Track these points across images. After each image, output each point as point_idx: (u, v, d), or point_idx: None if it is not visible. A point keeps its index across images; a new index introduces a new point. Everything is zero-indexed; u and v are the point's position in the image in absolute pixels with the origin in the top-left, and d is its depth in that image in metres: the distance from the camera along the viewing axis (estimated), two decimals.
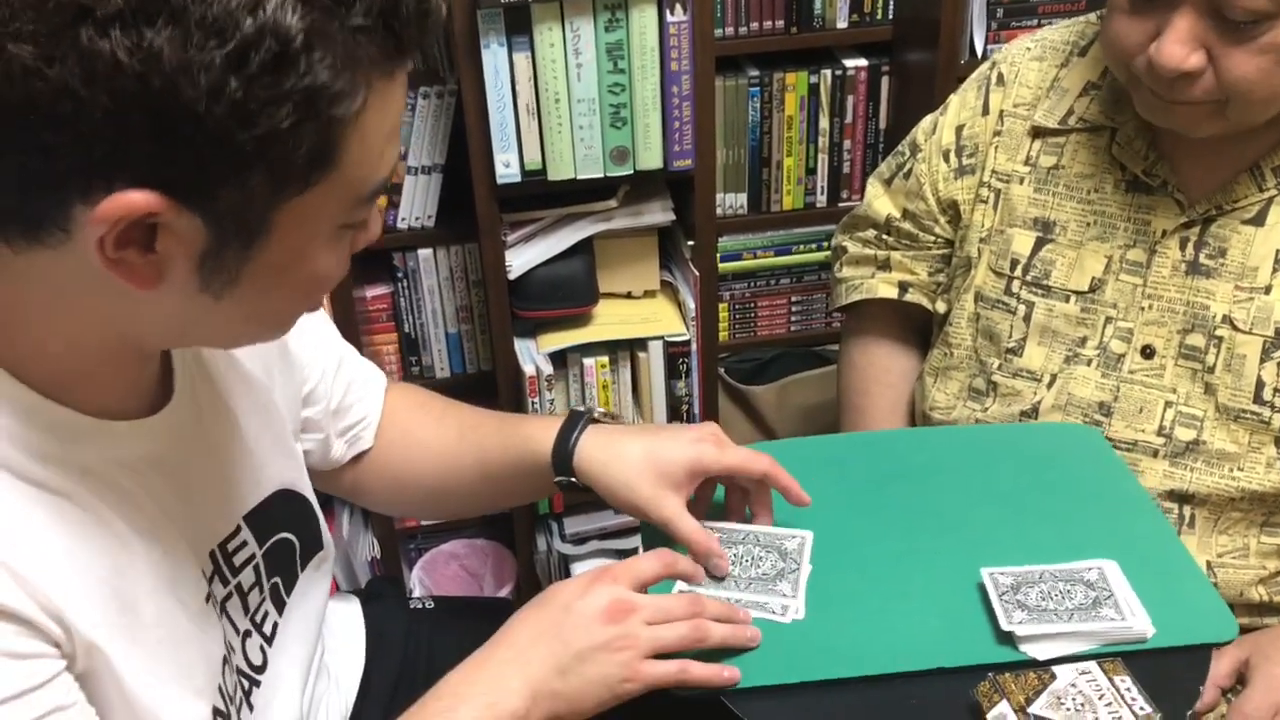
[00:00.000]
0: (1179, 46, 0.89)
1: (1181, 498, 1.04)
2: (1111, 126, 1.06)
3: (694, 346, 1.63)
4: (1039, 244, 1.10)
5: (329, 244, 0.62)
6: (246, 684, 0.77)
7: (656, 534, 0.89)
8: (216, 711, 0.71)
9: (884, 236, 1.25)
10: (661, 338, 1.62)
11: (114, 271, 0.57)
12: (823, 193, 1.78)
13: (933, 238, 1.21)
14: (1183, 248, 1.03)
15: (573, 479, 0.92)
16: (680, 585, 0.86)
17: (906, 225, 1.22)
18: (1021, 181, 1.11)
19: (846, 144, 1.75)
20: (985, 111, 1.15)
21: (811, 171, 1.76)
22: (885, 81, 1.72)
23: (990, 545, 0.89)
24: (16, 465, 0.61)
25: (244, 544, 0.78)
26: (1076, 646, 0.80)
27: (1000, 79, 1.14)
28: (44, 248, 0.57)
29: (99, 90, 0.51)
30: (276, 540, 0.82)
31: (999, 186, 1.13)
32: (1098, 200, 1.07)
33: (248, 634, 0.78)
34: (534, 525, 1.80)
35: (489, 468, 0.97)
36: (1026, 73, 1.13)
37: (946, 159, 1.17)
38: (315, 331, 0.94)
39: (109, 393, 0.67)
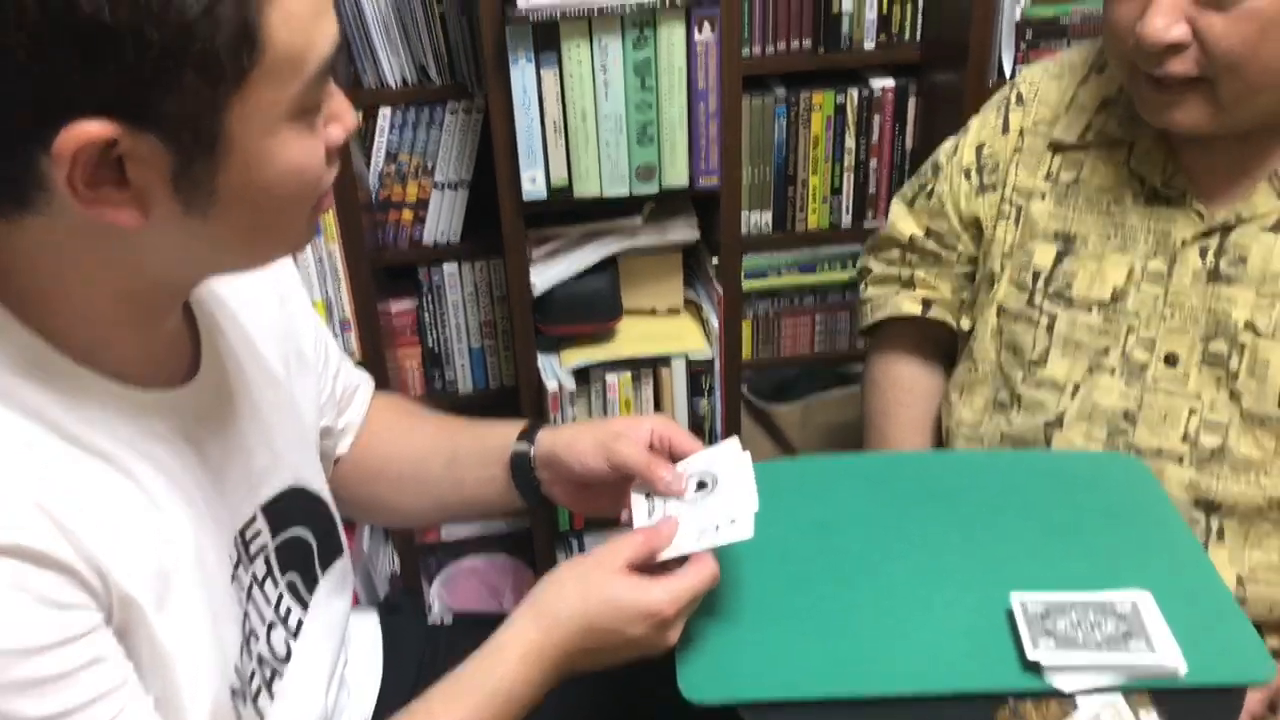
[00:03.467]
0: (1160, 18, 0.92)
1: (1208, 506, 1.03)
2: (1129, 140, 1.08)
3: (717, 364, 1.62)
4: (1060, 257, 1.11)
5: (294, 134, 0.62)
6: (268, 672, 0.77)
7: None
8: (234, 691, 0.71)
9: (908, 255, 1.25)
10: (685, 355, 1.61)
11: (96, 213, 0.58)
12: (848, 212, 1.78)
13: (956, 255, 1.21)
14: (1203, 256, 1.03)
15: (532, 465, 0.95)
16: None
17: (930, 244, 1.23)
18: (1043, 197, 1.13)
19: (873, 164, 1.75)
20: (1005, 130, 1.16)
21: (837, 191, 1.76)
22: (912, 102, 1.71)
23: (1022, 571, 0.88)
24: (59, 425, 0.62)
25: (259, 533, 0.78)
26: (1104, 679, 0.79)
27: (1020, 98, 1.16)
28: (35, 214, 0.59)
29: (9, 29, 0.52)
30: (290, 536, 0.82)
31: (1020, 203, 1.14)
32: (1118, 213, 1.08)
33: (272, 625, 0.78)
34: (554, 542, 1.80)
35: (457, 454, 0.99)
36: (1046, 91, 1.15)
37: (968, 177, 1.18)
38: (321, 341, 0.95)
39: (136, 362, 0.68)
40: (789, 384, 1.86)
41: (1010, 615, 0.83)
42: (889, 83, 1.70)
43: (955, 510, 0.96)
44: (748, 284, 1.77)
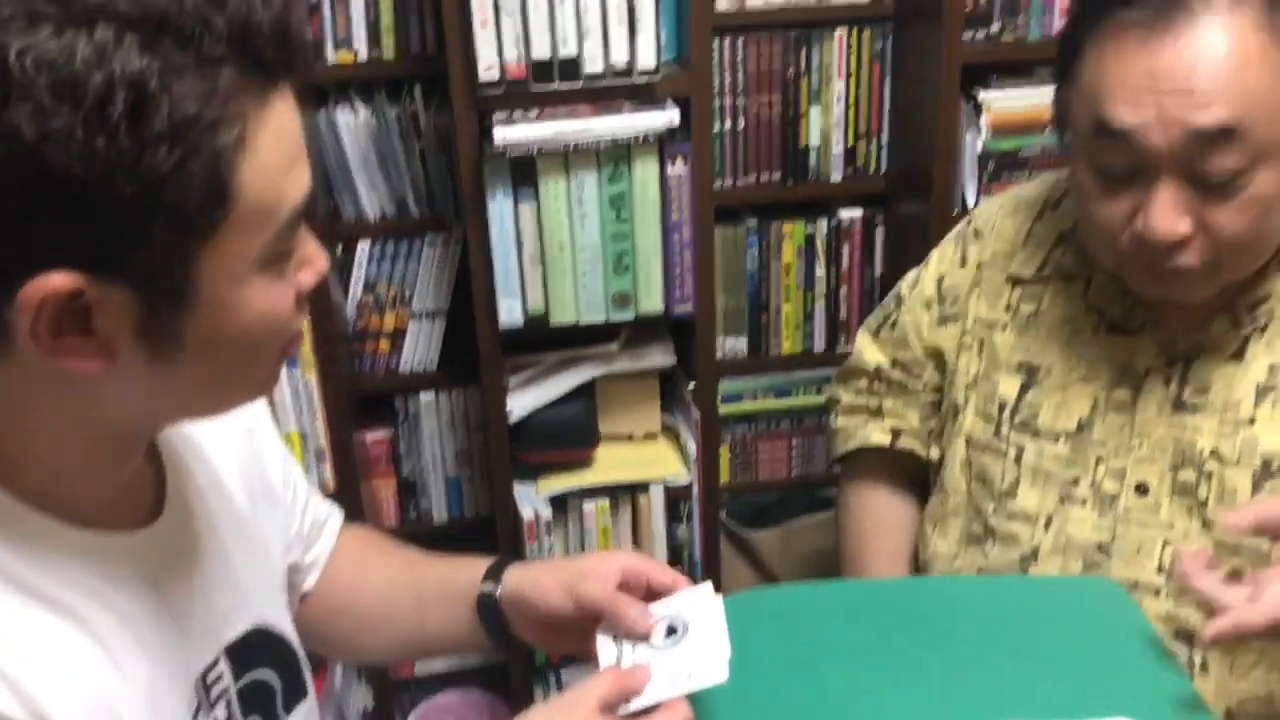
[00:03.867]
0: (1166, 215, 0.90)
1: (1189, 638, 1.02)
2: (1086, 274, 1.08)
3: (695, 489, 1.62)
4: (1024, 388, 1.11)
5: (263, 282, 0.61)
6: None
7: None
8: None
9: (875, 385, 1.26)
10: (663, 481, 1.61)
11: (60, 362, 0.56)
12: (821, 337, 1.80)
13: (921, 384, 1.22)
14: (1166, 385, 1.04)
15: (498, 605, 0.91)
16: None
17: (896, 374, 1.24)
18: (1004, 328, 1.14)
19: (843, 291, 1.78)
20: (963, 264, 1.18)
21: (809, 317, 1.79)
22: (880, 231, 1.76)
23: (1006, 701, 0.86)
24: (11, 572, 0.61)
25: (221, 676, 0.76)
26: None
27: (976, 233, 1.18)
28: (2, 364, 0.58)
29: None
30: (254, 679, 0.79)
31: (982, 334, 1.15)
32: (1079, 344, 1.08)
33: None
34: (530, 676, 1.75)
35: (421, 595, 0.96)
36: (1002, 226, 1.16)
37: (929, 308, 1.20)
38: (289, 474, 0.93)
39: (98, 506, 0.66)
40: (767, 509, 1.85)
41: None
42: (857, 213, 1.75)
43: (938, 639, 0.95)
44: (724, 408, 1.78)
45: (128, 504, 0.70)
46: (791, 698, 0.88)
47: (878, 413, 1.25)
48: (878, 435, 1.24)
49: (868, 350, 1.26)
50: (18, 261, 0.53)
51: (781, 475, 1.87)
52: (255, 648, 0.80)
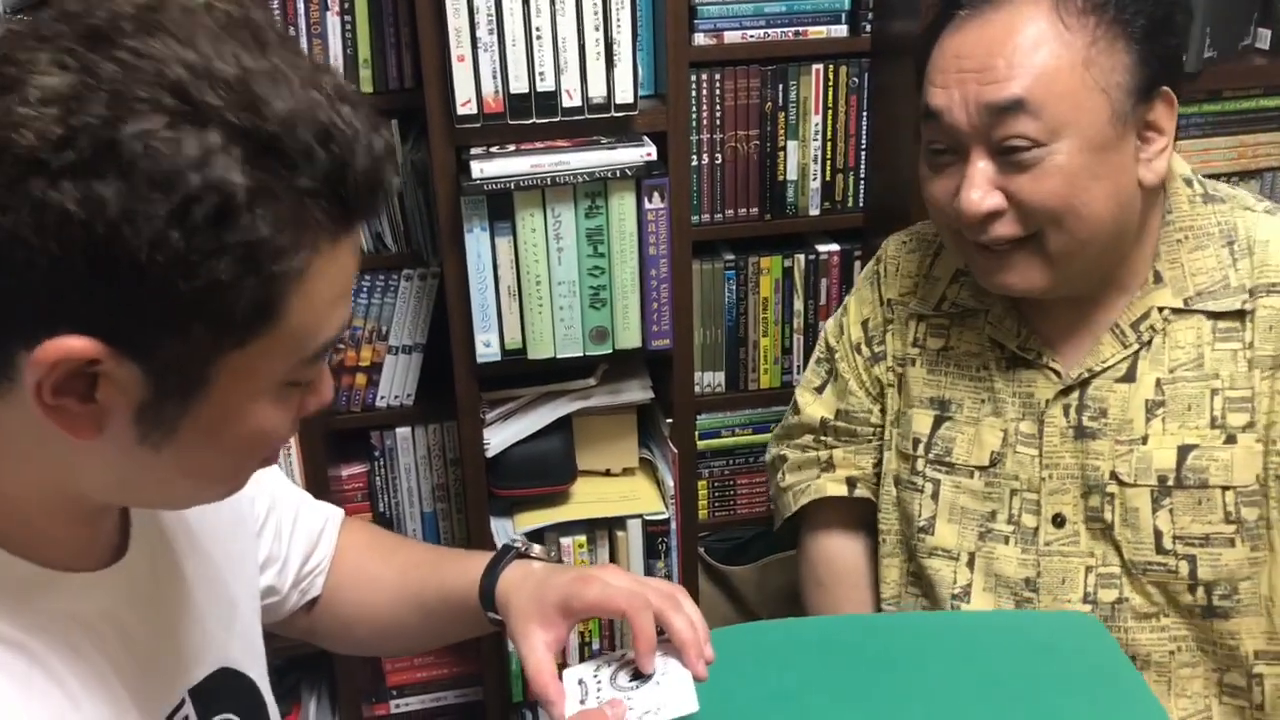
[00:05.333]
0: (974, 191, 0.97)
1: None
2: (984, 309, 1.12)
3: (673, 525, 1.61)
4: (938, 422, 1.13)
5: (272, 401, 0.62)
6: None
7: None
8: None
9: (822, 438, 1.26)
10: (640, 516, 1.60)
11: (53, 419, 0.57)
12: (799, 372, 1.80)
13: (870, 429, 1.23)
14: (1066, 414, 1.06)
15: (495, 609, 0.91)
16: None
17: (841, 423, 1.24)
18: (915, 363, 1.16)
19: (821, 325, 1.78)
20: (880, 302, 1.21)
21: (787, 351, 1.79)
22: (857, 265, 1.76)
23: None
24: None
25: (186, 718, 0.74)
26: None
27: (885, 272, 1.22)
28: None
29: (48, 238, 0.52)
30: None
31: (899, 370, 1.18)
32: (985, 377, 1.11)
33: None
34: (507, 713, 1.73)
35: (426, 605, 0.96)
36: (906, 264, 1.20)
37: (859, 351, 1.22)
38: (268, 493, 0.93)
39: (63, 545, 0.65)
40: (745, 545, 1.84)
41: None
42: (834, 247, 1.76)
43: (916, 675, 0.94)
44: (702, 443, 1.77)
45: (91, 544, 0.69)
46: None
47: (829, 465, 1.25)
48: (833, 486, 1.24)
49: (810, 407, 1.27)
50: (48, 317, 0.54)
51: (760, 510, 1.86)
52: (220, 690, 0.78)
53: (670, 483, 1.60)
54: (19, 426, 0.59)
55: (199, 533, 0.81)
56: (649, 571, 1.62)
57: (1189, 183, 1.07)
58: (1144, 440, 1.03)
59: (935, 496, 1.12)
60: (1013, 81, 0.95)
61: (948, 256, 1.16)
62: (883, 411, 1.21)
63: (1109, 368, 1.05)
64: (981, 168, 0.98)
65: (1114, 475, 1.04)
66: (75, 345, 0.54)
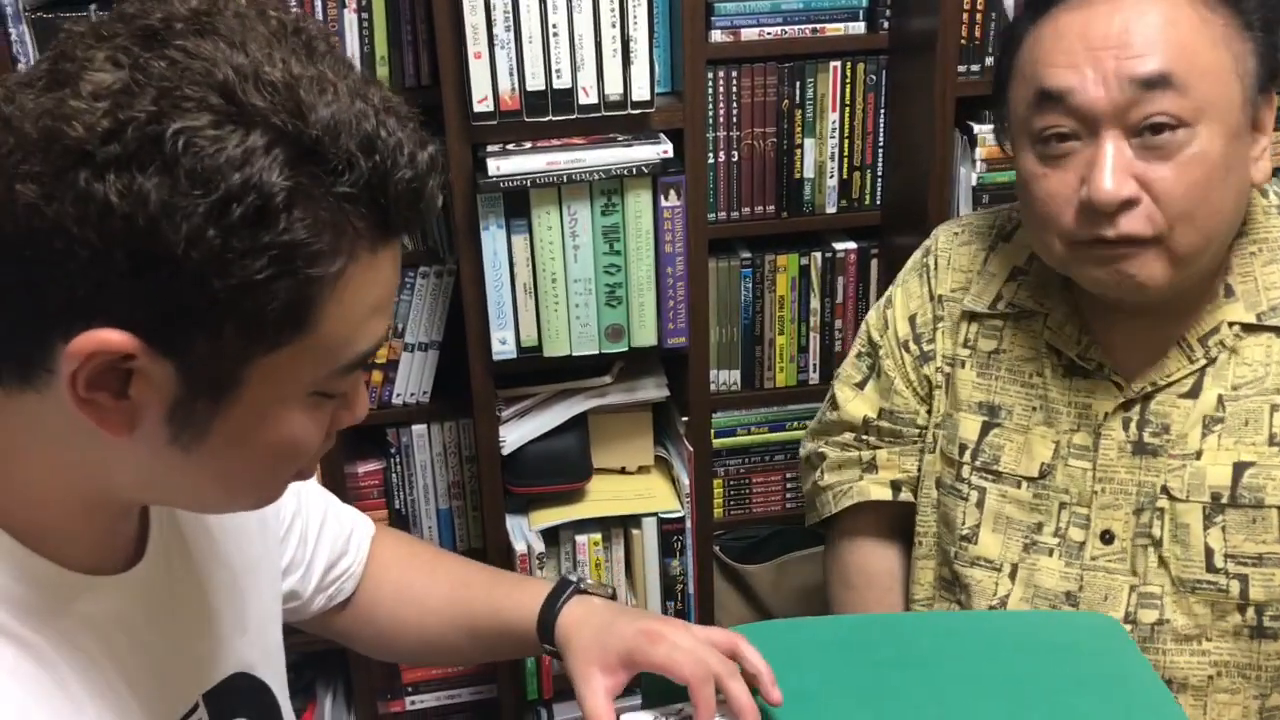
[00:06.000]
0: (1113, 175, 0.91)
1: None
2: (1043, 312, 1.07)
3: (689, 523, 1.60)
4: (986, 428, 1.09)
5: (303, 409, 0.62)
6: None
7: (655, 694, 0.86)
8: None
9: (864, 437, 1.22)
10: (656, 514, 1.60)
11: (86, 413, 0.57)
12: (815, 370, 1.80)
13: (915, 430, 1.18)
14: (1125, 428, 1.02)
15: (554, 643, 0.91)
16: None
17: (885, 423, 1.19)
18: (964, 365, 1.11)
19: (838, 323, 1.78)
20: (930, 298, 1.16)
21: (804, 349, 1.78)
22: (874, 263, 1.76)
23: None
24: None
25: None
26: None
27: (936, 264, 1.16)
28: (32, 390, 0.59)
29: (89, 228, 0.53)
30: None
31: (947, 370, 1.13)
32: (1039, 384, 1.06)
33: None
34: (521, 712, 1.73)
35: (477, 629, 0.96)
36: (957, 257, 1.14)
37: (907, 349, 1.17)
38: (295, 497, 0.92)
39: (83, 546, 0.65)
40: (761, 543, 1.84)
41: None
42: (851, 245, 1.75)
43: (933, 674, 0.93)
44: (717, 442, 1.77)
45: (110, 547, 0.69)
46: None
47: (871, 466, 1.21)
48: (877, 490, 1.20)
49: (851, 403, 1.21)
50: (86, 309, 0.55)
51: (775, 509, 1.85)
52: (235, 694, 0.78)
53: (685, 481, 1.59)
54: (53, 420, 0.59)
55: (220, 537, 0.81)
56: (664, 569, 1.62)
57: (1264, 193, 1.03)
58: (1198, 455, 0.99)
59: (980, 505, 1.08)
60: (1156, 55, 0.89)
61: (1003, 253, 1.11)
62: (929, 412, 1.16)
63: (1174, 382, 1.01)
64: (1117, 150, 0.91)
65: (1165, 490, 1.00)
66: (111, 338, 0.55)
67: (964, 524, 1.09)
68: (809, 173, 1.70)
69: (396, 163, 0.58)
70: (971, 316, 1.11)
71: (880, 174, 1.72)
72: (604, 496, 1.61)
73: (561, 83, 1.37)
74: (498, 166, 1.36)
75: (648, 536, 1.60)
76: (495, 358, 1.47)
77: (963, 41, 1.58)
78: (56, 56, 0.57)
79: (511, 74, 1.35)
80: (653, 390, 1.58)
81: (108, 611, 0.67)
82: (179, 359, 0.56)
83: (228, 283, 0.54)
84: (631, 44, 1.36)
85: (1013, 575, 1.07)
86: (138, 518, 0.72)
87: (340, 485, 1.58)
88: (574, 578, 0.94)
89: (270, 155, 0.54)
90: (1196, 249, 0.94)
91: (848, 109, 1.68)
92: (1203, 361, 1.00)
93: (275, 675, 0.85)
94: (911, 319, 1.16)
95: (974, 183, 1.64)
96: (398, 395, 1.64)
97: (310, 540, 0.94)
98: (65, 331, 0.55)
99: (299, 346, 0.58)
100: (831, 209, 1.73)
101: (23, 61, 1.37)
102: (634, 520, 1.60)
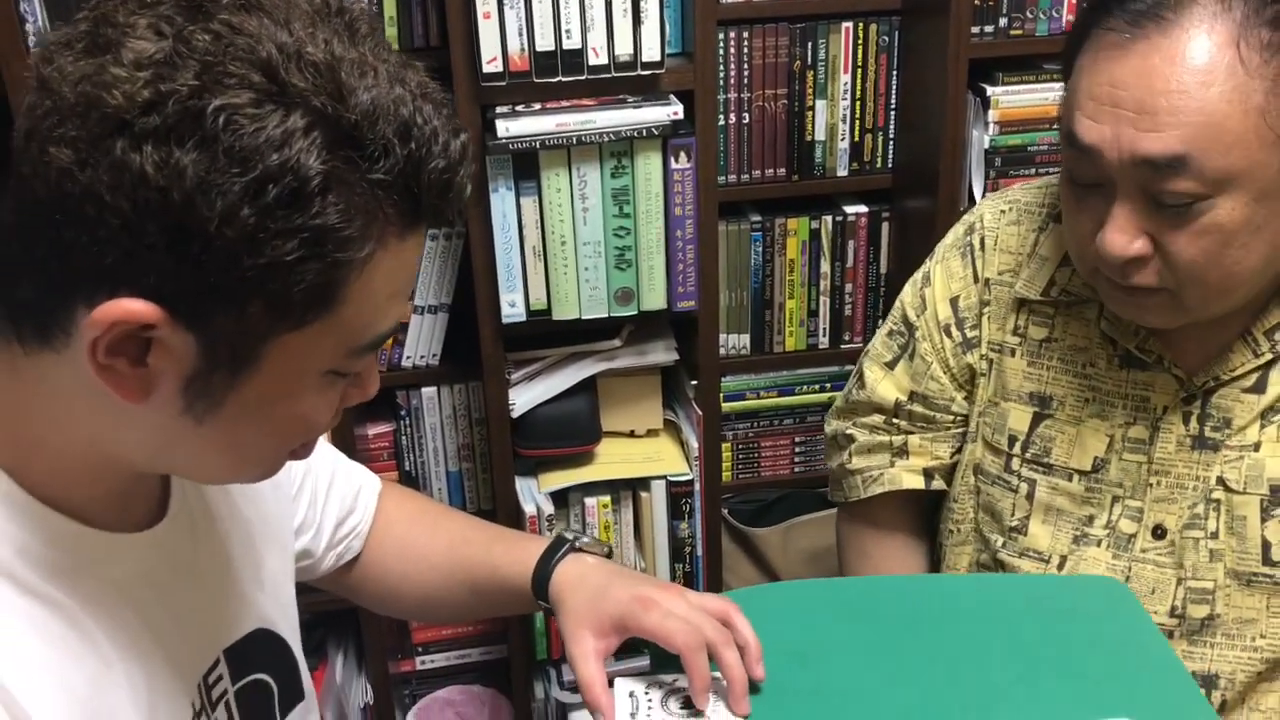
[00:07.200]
0: (1120, 235, 0.88)
1: (1206, 681, 1.00)
2: (1098, 300, 1.02)
3: (697, 486, 1.61)
4: (1036, 419, 1.06)
5: (318, 387, 0.63)
6: None
7: (663, 659, 0.87)
8: None
9: (894, 420, 1.17)
10: (664, 477, 1.60)
11: (103, 379, 0.58)
12: (825, 335, 1.79)
13: (950, 417, 1.14)
14: (1186, 422, 1.00)
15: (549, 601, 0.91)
16: None
17: (917, 407, 1.15)
18: (1013, 354, 1.07)
19: (848, 287, 1.77)
20: (975, 279, 1.11)
21: (813, 314, 1.78)
22: (885, 227, 1.75)
23: (1008, 699, 0.86)
24: (8, 568, 0.61)
25: (220, 678, 0.76)
26: None
27: (982, 244, 1.11)
28: (50, 350, 0.59)
29: (122, 197, 0.53)
30: (251, 680, 0.79)
31: (993, 357, 1.09)
32: (1093, 375, 1.03)
33: None
34: (531, 672, 1.75)
35: (476, 585, 0.97)
36: (1005, 238, 1.09)
37: (948, 334, 1.12)
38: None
39: (103, 505, 0.66)
40: (769, 507, 1.84)
41: None
42: (862, 209, 1.74)
43: (940, 637, 0.94)
44: (726, 405, 1.77)
45: (131, 507, 0.70)
46: (792, 694, 0.87)
47: (902, 451, 1.17)
48: (909, 479, 1.16)
49: (881, 384, 1.17)
50: (112, 277, 0.55)
51: (784, 473, 1.86)
52: (254, 650, 0.80)
53: (694, 444, 1.60)
54: (70, 383, 0.60)
55: (237, 496, 0.82)
56: (673, 532, 1.63)
57: None
58: (1256, 447, 0.97)
59: (1030, 497, 1.06)
60: (1175, 131, 0.83)
61: (1056, 235, 1.06)
62: (968, 400, 1.12)
63: (1237, 376, 0.98)
64: (1131, 209, 0.88)
65: (1221, 481, 0.98)
66: (134, 308, 0.55)
67: (1013, 515, 1.07)
68: (820, 135, 1.69)
69: (431, 151, 0.58)
70: (1022, 303, 1.07)
71: (892, 136, 1.71)
72: (613, 459, 1.61)
73: (571, 43, 1.36)
74: (507, 128, 1.35)
75: (656, 499, 1.61)
76: (504, 321, 1.47)
77: (976, 2, 1.56)
78: (97, 19, 0.56)
79: (521, 34, 1.34)
80: (662, 354, 1.58)
81: (132, 570, 0.68)
82: (201, 332, 0.57)
83: (257, 261, 0.54)
84: (642, 4, 1.35)
85: (1060, 566, 1.06)
86: (158, 478, 0.73)
87: (350, 447, 1.59)
88: (570, 535, 0.94)
89: (309, 138, 0.54)
90: (1209, 303, 0.92)
91: (860, 70, 1.67)
92: (1269, 356, 0.97)
93: (291, 632, 0.86)
94: (953, 301, 1.12)
95: (986, 146, 1.63)
96: (407, 358, 1.65)
97: (320, 500, 0.95)
98: (89, 297, 0.56)
99: (321, 327, 0.59)
100: (843, 172, 1.72)
101: (30, 22, 1.36)
102: (643, 483, 1.61)
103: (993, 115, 1.62)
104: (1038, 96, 1.61)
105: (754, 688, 0.86)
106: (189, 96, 0.53)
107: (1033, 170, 1.65)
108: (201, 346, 0.57)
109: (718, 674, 0.85)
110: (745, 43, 1.62)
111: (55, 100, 0.55)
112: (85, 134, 0.54)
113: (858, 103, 1.68)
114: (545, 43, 1.35)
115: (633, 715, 0.84)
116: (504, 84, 1.36)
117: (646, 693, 0.87)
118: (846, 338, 1.79)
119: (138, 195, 0.53)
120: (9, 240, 0.58)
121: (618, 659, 1.50)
